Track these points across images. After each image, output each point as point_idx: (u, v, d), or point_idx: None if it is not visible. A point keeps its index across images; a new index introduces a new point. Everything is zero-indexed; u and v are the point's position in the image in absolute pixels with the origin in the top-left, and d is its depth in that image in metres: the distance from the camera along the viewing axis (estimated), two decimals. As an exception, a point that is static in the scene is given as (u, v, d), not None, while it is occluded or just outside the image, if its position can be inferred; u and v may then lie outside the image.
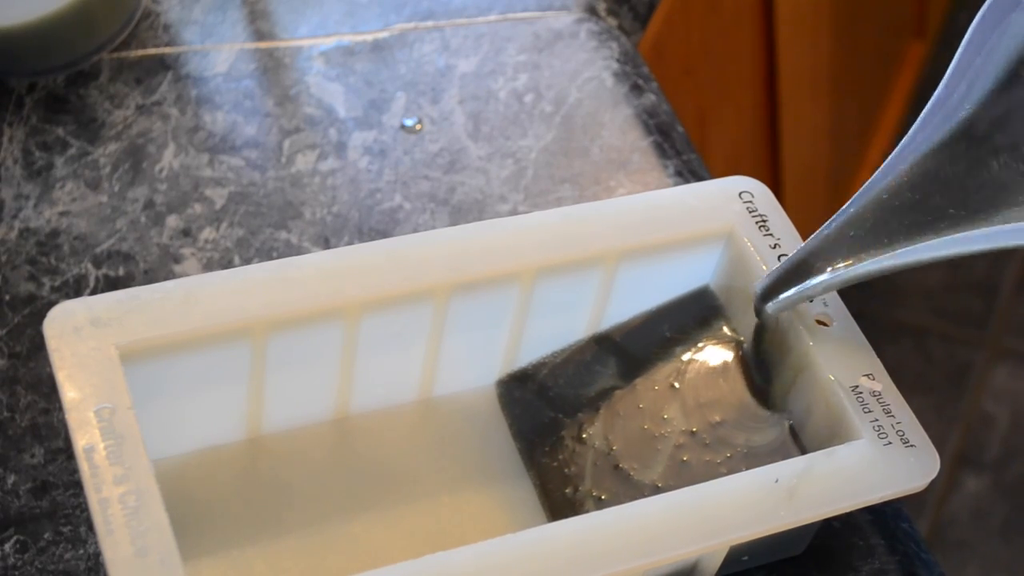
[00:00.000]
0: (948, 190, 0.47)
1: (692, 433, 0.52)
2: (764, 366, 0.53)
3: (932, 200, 0.48)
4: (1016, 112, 0.47)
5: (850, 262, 0.48)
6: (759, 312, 0.51)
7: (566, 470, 0.52)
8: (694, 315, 0.55)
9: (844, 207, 0.49)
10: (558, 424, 0.53)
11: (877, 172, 0.49)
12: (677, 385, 0.53)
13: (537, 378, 0.54)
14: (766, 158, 1.15)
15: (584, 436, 0.53)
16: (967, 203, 0.47)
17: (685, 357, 0.54)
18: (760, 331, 0.52)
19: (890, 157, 0.49)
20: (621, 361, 0.54)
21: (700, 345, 0.54)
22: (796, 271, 0.49)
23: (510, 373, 0.55)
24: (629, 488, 0.51)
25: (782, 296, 0.50)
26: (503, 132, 0.65)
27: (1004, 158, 0.47)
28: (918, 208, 0.48)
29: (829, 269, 0.49)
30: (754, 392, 0.53)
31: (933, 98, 0.48)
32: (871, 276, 0.49)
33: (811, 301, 0.50)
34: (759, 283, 0.50)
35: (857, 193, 0.49)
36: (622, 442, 0.52)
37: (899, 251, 0.48)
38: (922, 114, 0.48)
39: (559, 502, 0.51)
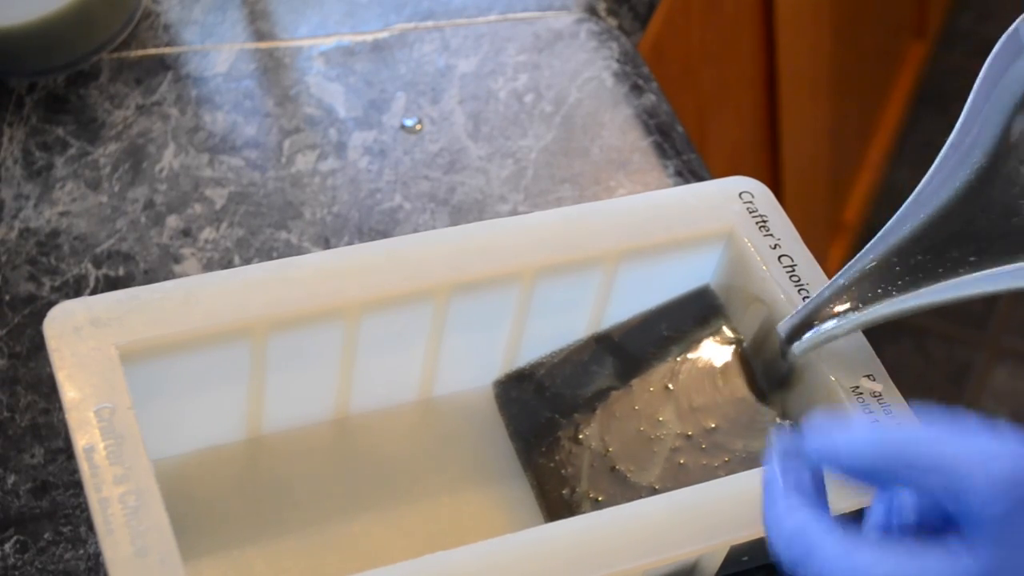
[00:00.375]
0: (971, 237, 0.48)
1: (688, 436, 0.52)
2: (779, 396, 0.53)
3: (954, 247, 0.48)
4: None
5: (873, 304, 0.48)
6: (784, 353, 0.50)
7: (563, 471, 0.52)
8: (693, 314, 0.55)
9: (864, 250, 0.49)
10: (555, 424, 0.53)
11: (897, 215, 0.49)
12: (671, 387, 0.53)
13: (534, 378, 0.54)
14: (766, 158, 1.15)
15: (581, 437, 0.52)
16: (991, 249, 0.47)
17: (681, 358, 0.54)
18: (787, 374, 0.52)
19: (908, 201, 0.49)
20: (618, 361, 0.54)
21: (697, 346, 0.54)
22: (820, 313, 0.49)
23: (507, 373, 0.55)
24: (626, 490, 0.51)
25: (806, 337, 0.50)
26: (503, 132, 0.65)
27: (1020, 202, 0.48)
28: (939, 255, 0.48)
29: (853, 311, 0.49)
30: (751, 398, 0.53)
31: (948, 141, 0.48)
32: (895, 317, 0.49)
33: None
34: (783, 325, 0.50)
35: (877, 236, 0.49)
36: (619, 443, 0.52)
37: (921, 292, 0.48)
38: (938, 157, 0.48)
39: (556, 503, 0.51)
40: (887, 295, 0.48)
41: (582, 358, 0.54)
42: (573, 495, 0.51)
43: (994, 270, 0.47)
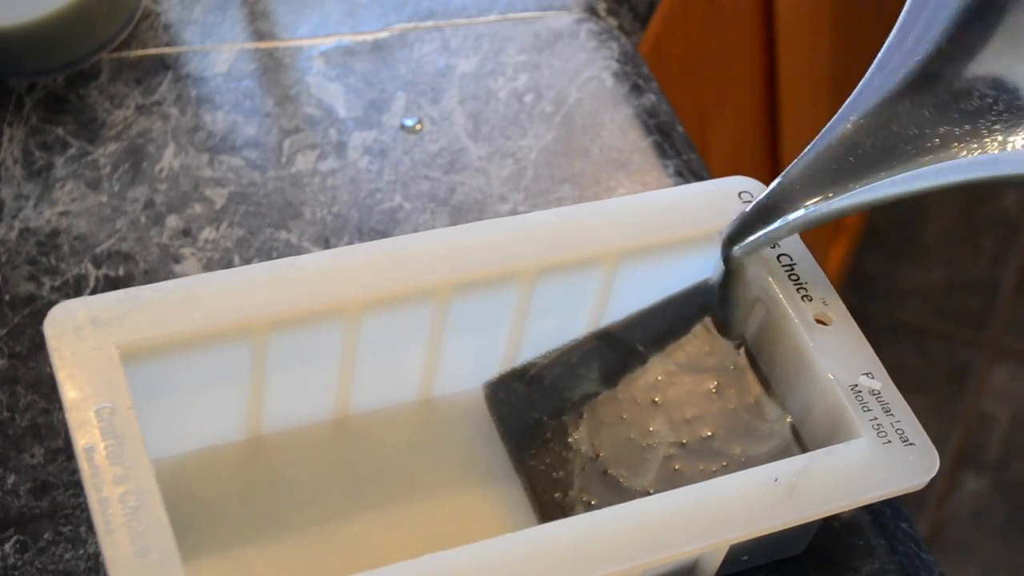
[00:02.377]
0: (904, 135, 0.48)
1: (682, 444, 0.52)
2: (732, 312, 0.53)
3: (889, 143, 0.49)
4: (963, 57, 0.48)
5: (812, 203, 0.49)
6: (727, 257, 0.51)
7: (554, 474, 0.52)
8: (690, 314, 0.54)
9: (806, 150, 0.50)
10: (543, 426, 0.53)
11: (837, 114, 0.50)
12: (658, 400, 0.53)
13: (523, 379, 0.54)
14: (766, 158, 1.15)
15: (570, 440, 0.52)
16: (922, 146, 0.48)
17: (673, 365, 0.53)
18: (728, 276, 0.52)
19: (849, 99, 0.50)
20: (605, 365, 0.54)
21: (693, 349, 0.54)
22: (761, 214, 0.50)
23: (498, 375, 0.54)
24: (620, 495, 0.50)
25: (749, 239, 0.51)
26: (503, 132, 0.65)
27: (957, 103, 0.48)
28: (875, 151, 0.49)
29: (792, 211, 0.49)
30: (751, 401, 0.52)
31: (888, 40, 0.49)
32: (833, 217, 0.49)
33: (773, 247, 0.52)
34: (726, 227, 0.51)
35: (818, 136, 0.50)
36: (609, 449, 0.52)
37: (859, 191, 0.49)
38: (878, 56, 0.49)
39: (549, 506, 0.51)
40: (824, 196, 0.49)
41: (570, 360, 0.54)
42: (565, 498, 0.51)
43: (927, 168, 0.48)
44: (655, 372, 0.53)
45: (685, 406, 0.52)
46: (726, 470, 0.51)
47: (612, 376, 0.53)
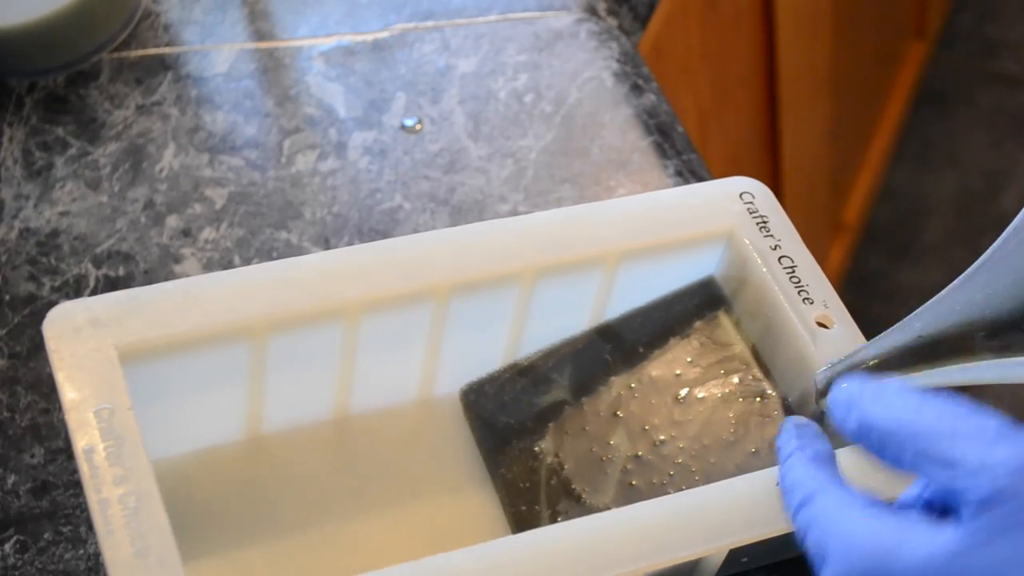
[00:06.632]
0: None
1: (637, 457, 0.52)
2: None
3: (1009, 328, 0.46)
4: None
5: (910, 371, 0.47)
6: (819, 404, 0.49)
7: (522, 484, 0.51)
8: (687, 315, 0.54)
9: (910, 318, 0.47)
10: (512, 433, 0.53)
11: (951, 286, 0.47)
12: (620, 414, 0.52)
13: (497, 383, 0.54)
14: (766, 158, 1.15)
15: (536, 450, 0.52)
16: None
17: (633, 384, 0.53)
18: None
19: (965, 273, 0.46)
20: (576, 373, 0.54)
21: (675, 363, 0.54)
22: (859, 370, 0.47)
23: (472, 382, 0.54)
24: (582, 511, 0.50)
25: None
26: (503, 132, 0.65)
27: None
28: (992, 334, 0.46)
29: (893, 373, 0.47)
30: (750, 414, 0.52)
31: (1013, 223, 0.46)
32: (936, 387, 0.47)
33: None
34: (820, 374, 0.49)
35: (923, 306, 0.47)
36: (573, 461, 0.51)
37: (959, 368, 0.46)
38: (1002, 236, 0.46)
39: (518, 517, 0.51)
40: (929, 367, 0.47)
41: (546, 364, 0.54)
42: (532, 511, 0.51)
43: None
44: (618, 387, 0.53)
45: (661, 427, 0.52)
46: (699, 483, 0.50)
47: (581, 387, 0.53)
